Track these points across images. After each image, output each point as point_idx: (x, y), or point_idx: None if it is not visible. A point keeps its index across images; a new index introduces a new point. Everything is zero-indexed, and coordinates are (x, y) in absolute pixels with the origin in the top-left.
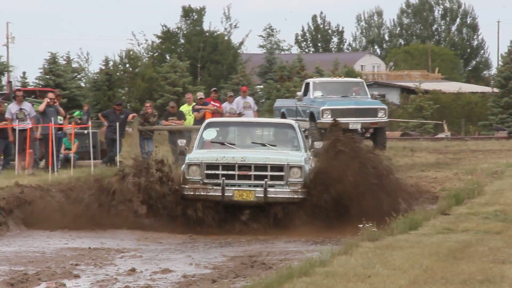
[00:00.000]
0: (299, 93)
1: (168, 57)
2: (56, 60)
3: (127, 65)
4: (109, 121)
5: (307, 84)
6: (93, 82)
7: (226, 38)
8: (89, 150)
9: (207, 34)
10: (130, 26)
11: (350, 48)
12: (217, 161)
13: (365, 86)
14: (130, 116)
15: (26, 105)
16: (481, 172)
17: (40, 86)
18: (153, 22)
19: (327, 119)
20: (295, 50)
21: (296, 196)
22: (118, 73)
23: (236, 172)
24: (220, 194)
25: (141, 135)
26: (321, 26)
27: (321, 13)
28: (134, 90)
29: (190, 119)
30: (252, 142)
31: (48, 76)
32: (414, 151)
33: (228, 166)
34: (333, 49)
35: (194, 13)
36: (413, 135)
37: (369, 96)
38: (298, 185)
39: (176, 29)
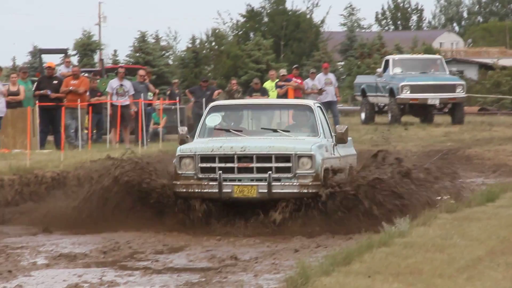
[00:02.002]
0: (379, 70)
1: (252, 35)
2: (146, 38)
3: (213, 43)
4: (196, 97)
5: (387, 61)
6: (181, 59)
7: (307, 16)
8: (176, 124)
9: (289, 13)
10: (216, 6)
11: (429, 26)
12: (213, 152)
13: (444, 62)
14: (216, 92)
15: (126, 82)
16: None
17: (130, 64)
18: (238, 1)
19: (407, 94)
20: (375, 28)
21: (305, 191)
22: (204, 51)
23: (236, 165)
24: (217, 190)
25: None
26: (401, 4)
27: None
28: (219, 67)
29: (273, 95)
30: (262, 128)
31: (138, 54)
32: (492, 125)
33: (226, 158)
34: (412, 27)
35: None
36: (491, 110)
37: (448, 72)
38: (308, 178)
39: (260, 8)
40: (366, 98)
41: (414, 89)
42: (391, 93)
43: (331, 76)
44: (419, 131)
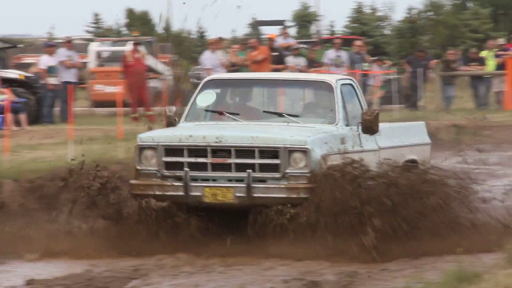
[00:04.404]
0: None
1: (470, 4)
2: (362, 9)
3: (430, 13)
4: (412, 67)
5: None
6: (397, 30)
7: None
8: (392, 95)
9: None
10: None
11: None
12: (181, 142)
13: None
14: (432, 62)
15: (343, 53)
16: None
17: (347, 35)
18: None
19: None
20: None
21: (295, 196)
22: (421, 21)
23: (209, 160)
24: (183, 193)
25: (443, 81)
26: None
27: None
28: (436, 37)
29: (491, 65)
30: (264, 111)
31: (354, 25)
32: None
33: (197, 151)
34: None
35: None
36: None
37: None
38: (300, 179)
39: None
40: None
41: None
42: None
43: None
44: None
